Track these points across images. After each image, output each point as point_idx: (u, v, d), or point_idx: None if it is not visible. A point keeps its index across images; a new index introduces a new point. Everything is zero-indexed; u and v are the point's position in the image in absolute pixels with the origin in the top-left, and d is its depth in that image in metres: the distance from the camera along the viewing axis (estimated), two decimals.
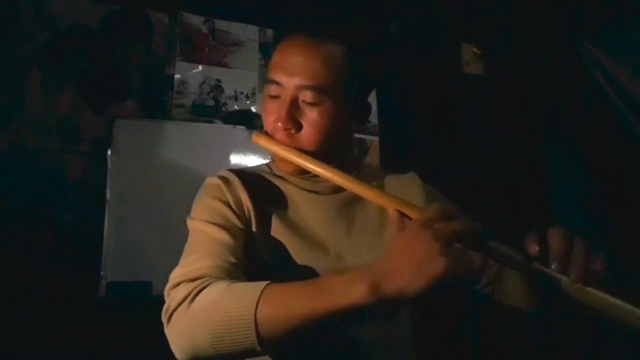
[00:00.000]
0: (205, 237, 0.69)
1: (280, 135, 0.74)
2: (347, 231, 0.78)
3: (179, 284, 0.62)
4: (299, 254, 0.73)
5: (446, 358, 1.77)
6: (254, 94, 1.81)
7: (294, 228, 0.75)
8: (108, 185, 1.50)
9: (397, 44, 2.08)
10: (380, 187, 0.82)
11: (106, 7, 1.62)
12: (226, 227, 0.70)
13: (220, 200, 0.74)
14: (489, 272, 0.82)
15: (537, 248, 0.55)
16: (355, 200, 0.79)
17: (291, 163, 0.75)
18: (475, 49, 2.25)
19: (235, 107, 1.77)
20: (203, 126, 1.70)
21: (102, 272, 1.45)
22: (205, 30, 1.77)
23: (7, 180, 1.41)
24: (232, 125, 1.73)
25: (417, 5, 2.15)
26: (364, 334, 0.72)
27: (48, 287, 1.38)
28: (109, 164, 1.52)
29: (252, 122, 1.76)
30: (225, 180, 0.77)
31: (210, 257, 0.65)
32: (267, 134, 0.77)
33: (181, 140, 1.63)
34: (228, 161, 1.68)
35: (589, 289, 0.53)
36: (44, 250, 1.41)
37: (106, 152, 1.52)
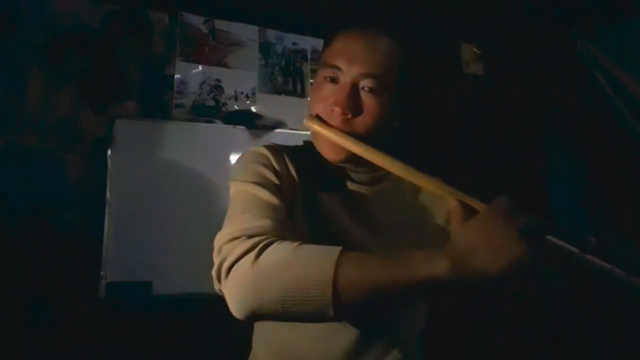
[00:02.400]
0: (253, 198, 0.68)
1: (335, 120, 0.74)
2: (382, 221, 0.78)
3: (235, 238, 0.61)
4: (334, 235, 0.74)
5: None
6: (254, 94, 1.81)
7: (334, 208, 0.76)
8: (108, 185, 1.50)
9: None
10: (413, 186, 0.83)
11: (106, 7, 1.62)
12: (273, 190, 0.70)
13: (266, 166, 0.74)
14: None
15: (593, 240, 0.58)
16: (391, 193, 0.81)
17: (338, 153, 0.75)
18: (475, 49, 2.25)
19: (235, 107, 1.77)
20: (203, 126, 1.69)
21: (102, 272, 1.45)
22: (205, 30, 1.77)
23: (7, 180, 1.41)
24: (232, 125, 1.73)
25: (417, 5, 2.15)
26: (376, 329, 0.73)
27: (48, 287, 1.39)
28: (109, 164, 1.52)
29: (252, 122, 1.76)
30: (271, 149, 0.78)
31: (265, 217, 0.64)
32: (319, 118, 0.76)
33: (181, 140, 1.63)
34: (228, 161, 1.68)
35: None
36: (44, 250, 1.41)
37: (106, 152, 1.52)
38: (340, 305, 0.54)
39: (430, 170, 0.92)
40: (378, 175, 0.80)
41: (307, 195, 0.75)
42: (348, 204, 0.78)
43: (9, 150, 1.43)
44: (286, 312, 0.55)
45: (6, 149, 1.43)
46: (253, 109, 1.80)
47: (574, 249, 0.57)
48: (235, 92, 1.78)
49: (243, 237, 0.60)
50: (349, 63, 0.74)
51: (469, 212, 0.60)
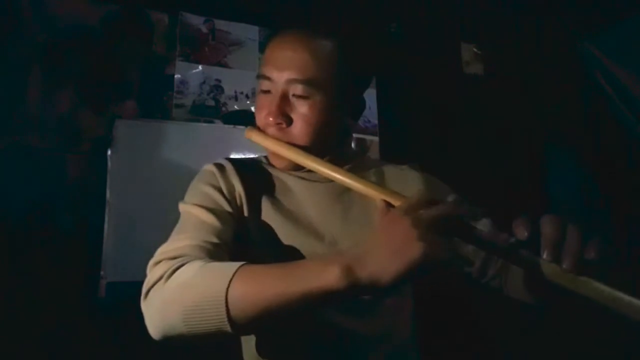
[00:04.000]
0: (192, 218, 0.70)
1: (271, 130, 0.75)
2: (343, 218, 0.78)
3: (160, 261, 0.63)
4: (293, 240, 0.74)
5: (448, 358, 1.77)
6: (254, 94, 1.80)
7: (288, 214, 0.76)
8: (108, 185, 1.50)
9: (397, 44, 2.08)
10: (379, 177, 0.84)
11: (106, 7, 1.62)
12: (214, 211, 0.70)
13: (212, 185, 0.75)
14: (494, 265, 0.81)
15: (525, 234, 0.53)
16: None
17: (283, 159, 0.76)
18: (475, 49, 2.25)
19: (235, 107, 1.77)
20: (203, 126, 1.69)
21: (102, 272, 1.45)
22: (205, 30, 1.77)
23: (7, 180, 1.41)
24: (232, 125, 1.73)
25: (417, 5, 2.15)
26: (363, 330, 0.73)
27: (48, 287, 1.38)
28: (109, 164, 1.52)
29: (252, 122, 1.76)
30: (219, 167, 0.78)
31: (192, 238, 0.66)
32: (259, 129, 0.77)
33: (181, 140, 1.63)
34: None
35: (582, 279, 0.50)
36: (44, 250, 1.41)
37: (106, 152, 1.52)
38: (236, 322, 0.54)
39: (429, 170, 0.92)
40: None
41: (260, 208, 0.76)
42: (309, 204, 0.78)
43: (9, 150, 1.43)
44: (192, 333, 0.56)
45: (6, 149, 1.43)
46: (253, 109, 1.79)
47: (501, 242, 0.55)
48: (235, 92, 1.78)
49: (165, 260, 0.62)
50: (278, 71, 0.73)
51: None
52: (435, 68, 2.14)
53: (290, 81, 0.73)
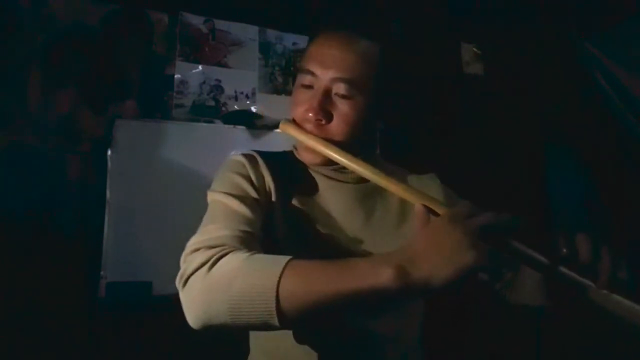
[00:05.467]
0: (224, 208, 0.70)
1: (309, 125, 0.75)
2: (366, 220, 0.78)
3: (197, 250, 0.62)
4: (317, 237, 0.74)
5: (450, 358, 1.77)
6: (254, 94, 1.81)
7: (314, 211, 0.76)
8: (108, 185, 1.50)
9: (397, 44, 2.08)
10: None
11: (106, 7, 1.62)
12: (245, 201, 0.70)
13: (242, 175, 0.75)
14: (506, 275, 0.82)
15: (565, 251, 0.56)
16: (377, 191, 0.80)
17: (316, 155, 0.76)
18: (475, 49, 2.25)
19: (235, 107, 1.77)
20: (203, 126, 1.69)
21: (102, 272, 1.45)
22: (205, 30, 1.77)
23: (7, 180, 1.41)
24: (232, 125, 1.73)
25: (417, 5, 2.15)
26: (375, 329, 0.73)
27: (48, 287, 1.38)
28: (109, 164, 1.52)
29: (252, 122, 1.76)
30: (249, 157, 0.78)
31: (229, 227, 0.65)
32: (295, 123, 0.77)
33: (181, 140, 1.63)
34: None
35: (614, 297, 0.54)
36: (44, 250, 1.41)
37: (106, 152, 1.52)
38: (285, 316, 0.54)
39: (428, 171, 0.92)
40: None
41: (287, 201, 0.76)
42: (334, 203, 0.78)
43: (9, 150, 1.43)
44: (235, 324, 0.55)
45: (6, 149, 1.43)
46: (253, 109, 1.80)
47: (539, 256, 0.57)
48: (235, 92, 1.78)
49: (203, 249, 0.61)
50: (322, 68, 0.74)
51: (434, 217, 0.60)
52: (435, 68, 2.14)
53: (335, 80, 0.74)
